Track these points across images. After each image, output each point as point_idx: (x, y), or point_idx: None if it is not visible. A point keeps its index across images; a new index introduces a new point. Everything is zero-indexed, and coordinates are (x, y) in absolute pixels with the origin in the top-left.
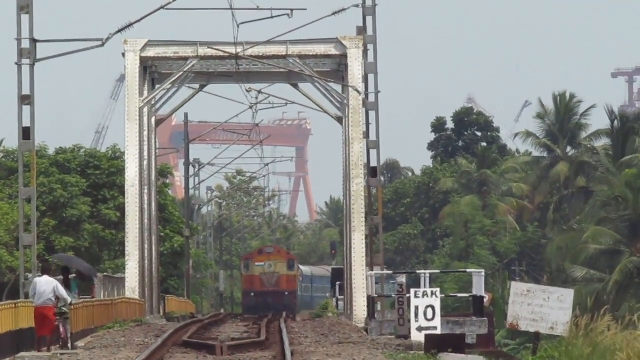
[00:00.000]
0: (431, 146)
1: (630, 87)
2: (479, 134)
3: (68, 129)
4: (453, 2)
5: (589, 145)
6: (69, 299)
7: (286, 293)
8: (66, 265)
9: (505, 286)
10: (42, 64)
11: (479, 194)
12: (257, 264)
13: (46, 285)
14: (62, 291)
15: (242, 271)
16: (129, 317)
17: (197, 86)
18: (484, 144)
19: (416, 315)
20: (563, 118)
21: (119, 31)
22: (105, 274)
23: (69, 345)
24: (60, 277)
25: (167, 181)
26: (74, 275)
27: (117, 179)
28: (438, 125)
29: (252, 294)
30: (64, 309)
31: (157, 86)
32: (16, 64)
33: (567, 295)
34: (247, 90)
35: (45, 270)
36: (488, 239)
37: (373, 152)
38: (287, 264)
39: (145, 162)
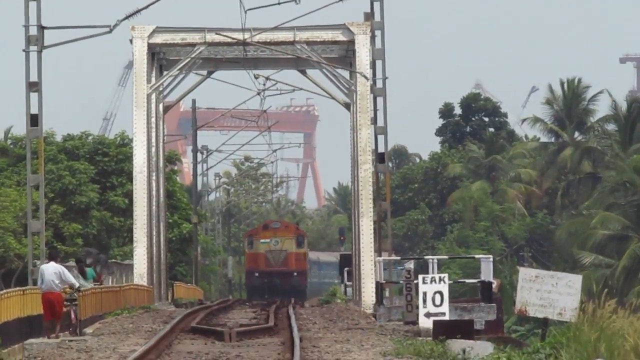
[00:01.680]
0: (439, 132)
1: (638, 72)
2: (486, 119)
3: (76, 115)
4: None
5: (597, 131)
6: (77, 284)
7: (295, 273)
8: (79, 257)
9: (513, 272)
10: (50, 50)
11: (487, 179)
12: (262, 240)
13: (52, 272)
14: (69, 277)
15: (245, 248)
16: (137, 304)
17: (204, 72)
18: (492, 130)
19: (424, 301)
20: (570, 103)
21: (127, 17)
22: (113, 260)
23: (78, 331)
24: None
25: (175, 168)
26: (90, 261)
27: (125, 165)
28: (446, 111)
29: (257, 274)
30: (74, 294)
31: (165, 72)
32: (24, 50)
33: (575, 281)
34: (254, 77)
35: (52, 257)
36: (496, 225)
37: (381, 138)
38: (296, 241)
39: (153, 149)
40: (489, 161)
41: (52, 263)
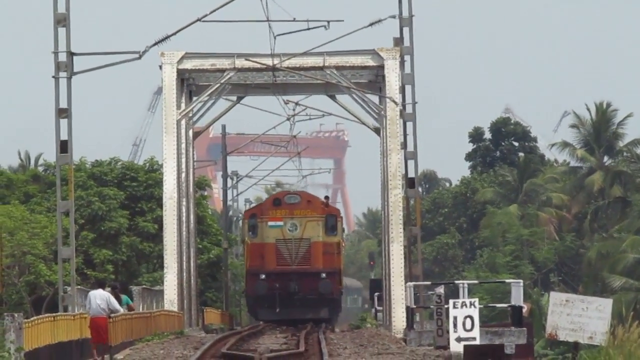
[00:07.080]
0: (469, 156)
1: None
2: (516, 144)
3: (105, 142)
4: (489, 13)
5: (626, 154)
6: (121, 310)
7: (323, 275)
8: (114, 284)
9: (539, 297)
10: (79, 77)
11: (519, 203)
12: (271, 223)
13: (100, 297)
14: (115, 304)
15: (245, 237)
16: (168, 330)
17: (234, 98)
18: (522, 154)
19: (455, 325)
20: (599, 127)
21: (156, 44)
22: (143, 286)
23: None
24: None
25: (205, 193)
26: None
27: (155, 191)
28: (476, 136)
29: (263, 277)
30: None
31: (195, 98)
32: (53, 77)
33: (605, 305)
34: (284, 102)
35: (100, 285)
36: (525, 249)
37: (411, 163)
38: (325, 223)
39: (183, 175)
40: (523, 185)
41: (100, 290)
